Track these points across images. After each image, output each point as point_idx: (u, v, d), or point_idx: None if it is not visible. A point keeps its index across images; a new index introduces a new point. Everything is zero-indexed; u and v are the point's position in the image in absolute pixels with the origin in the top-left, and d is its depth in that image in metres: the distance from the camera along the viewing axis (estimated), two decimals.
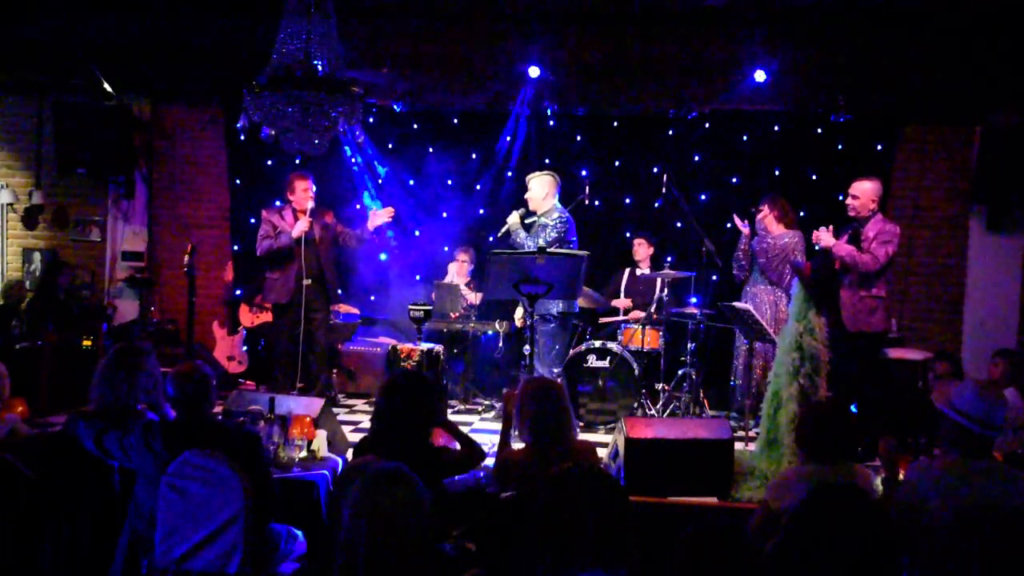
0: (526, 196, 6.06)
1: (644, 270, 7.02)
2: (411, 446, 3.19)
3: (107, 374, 3.79)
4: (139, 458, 3.33)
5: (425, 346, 5.90)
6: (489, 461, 4.86)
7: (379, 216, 6.23)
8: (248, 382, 7.21)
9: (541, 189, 5.99)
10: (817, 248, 5.33)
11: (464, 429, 5.88)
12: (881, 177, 5.64)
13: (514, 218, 5.93)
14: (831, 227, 5.31)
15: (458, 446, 3.64)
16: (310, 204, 6.12)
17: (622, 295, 7.07)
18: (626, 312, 6.92)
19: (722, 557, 2.02)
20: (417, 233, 7.95)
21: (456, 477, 4.50)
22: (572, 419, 3.37)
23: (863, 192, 5.33)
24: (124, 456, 3.40)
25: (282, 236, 6.09)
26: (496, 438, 5.47)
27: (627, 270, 7.14)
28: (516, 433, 3.59)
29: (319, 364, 6.27)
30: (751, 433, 5.39)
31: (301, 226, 6.05)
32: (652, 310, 6.37)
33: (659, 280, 6.36)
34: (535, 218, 5.97)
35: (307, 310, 6.07)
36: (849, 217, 5.44)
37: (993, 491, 2.76)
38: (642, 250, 7.05)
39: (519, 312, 6.54)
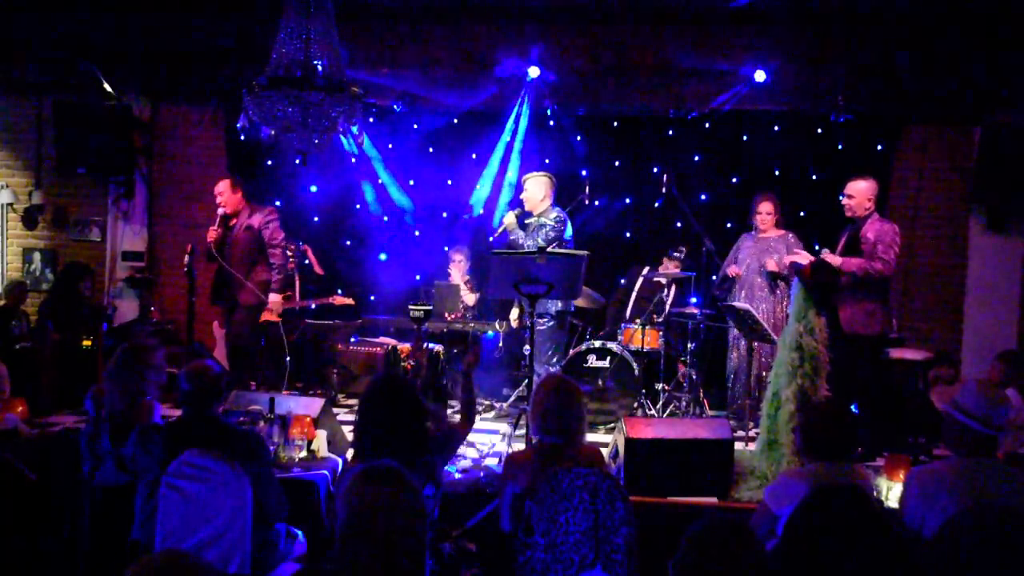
0: (522, 196, 6.07)
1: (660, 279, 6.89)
2: (403, 447, 3.13)
3: (117, 375, 3.70)
4: (141, 465, 3.32)
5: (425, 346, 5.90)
6: (491, 461, 4.88)
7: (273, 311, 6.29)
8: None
9: (538, 190, 5.99)
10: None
11: None
12: (880, 177, 5.64)
13: (510, 218, 5.93)
14: (826, 249, 5.35)
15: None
16: (219, 210, 6.29)
17: (634, 293, 6.95)
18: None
19: (731, 552, 2.01)
20: (417, 233, 7.96)
21: (456, 477, 4.52)
22: (584, 423, 3.34)
23: (858, 191, 5.34)
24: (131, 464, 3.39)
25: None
26: (496, 438, 5.50)
27: (646, 268, 6.94)
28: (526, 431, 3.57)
29: (260, 359, 6.44)
30: (751, 433, 5.39)
31: (210, 234, 6.25)
32: (650, 309, 6.37)
33: (665, 281, 6.35)
34: (532, 218, 5.98)
35: (229, 311, 6.36)
36: (847, 218, 5.45)
37: (997, 491, 2.76)
38: (672, 267, 6.77)
39: (515, 313, 6.52)
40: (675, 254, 6.87)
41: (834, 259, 5.23)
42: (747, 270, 6.20)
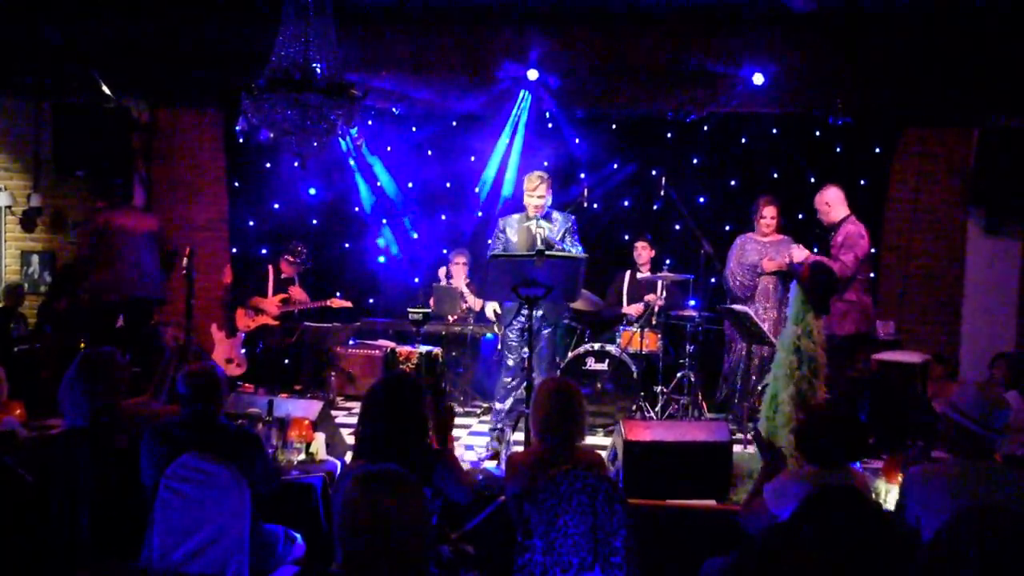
0: (537, 200, 5.64)
1: (645, 273, 6.99)
2: (404, 449, 3.12)
3: (74, 386, 3.52)
4: (148, 473, 3.32)
5: (423, 348, 5.91)
6: (489, 464, 4.88)
7: None
8: (246, 385, 7.20)
9: (548, 191, 5.84)
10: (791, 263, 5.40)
11: (463, 431, 5.92)
12: (878, 180, 5.65)
13: (544, 229, 5.64)
14: (798, 245, 5.43)
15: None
16: None
17: (624, 298, 7.02)
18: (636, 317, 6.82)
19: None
20: (415, 236, 7.96)
21: None
22: (583, 426, 3.34)
23: (819, 201, 5.54)
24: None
25: None
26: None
27: (628, 272, 7.11)
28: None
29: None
30: (749, 436, 5.38)
31: None
32: (652, 311, 6.37)
33: (660, 283, 6.35)
34: (542, 221, 5.82)
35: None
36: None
37: (994, 492, 2.77)
38: (644, 253, 7.00)
39: (489, 308, 6.43)
40: (642, 240, 6.95)
41: (801, 253, 5.32)
42: (760, 274, 6.18)
